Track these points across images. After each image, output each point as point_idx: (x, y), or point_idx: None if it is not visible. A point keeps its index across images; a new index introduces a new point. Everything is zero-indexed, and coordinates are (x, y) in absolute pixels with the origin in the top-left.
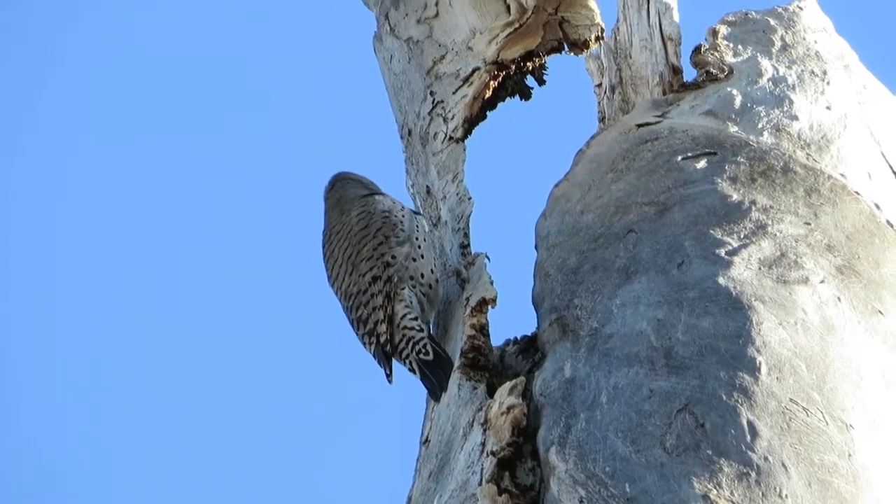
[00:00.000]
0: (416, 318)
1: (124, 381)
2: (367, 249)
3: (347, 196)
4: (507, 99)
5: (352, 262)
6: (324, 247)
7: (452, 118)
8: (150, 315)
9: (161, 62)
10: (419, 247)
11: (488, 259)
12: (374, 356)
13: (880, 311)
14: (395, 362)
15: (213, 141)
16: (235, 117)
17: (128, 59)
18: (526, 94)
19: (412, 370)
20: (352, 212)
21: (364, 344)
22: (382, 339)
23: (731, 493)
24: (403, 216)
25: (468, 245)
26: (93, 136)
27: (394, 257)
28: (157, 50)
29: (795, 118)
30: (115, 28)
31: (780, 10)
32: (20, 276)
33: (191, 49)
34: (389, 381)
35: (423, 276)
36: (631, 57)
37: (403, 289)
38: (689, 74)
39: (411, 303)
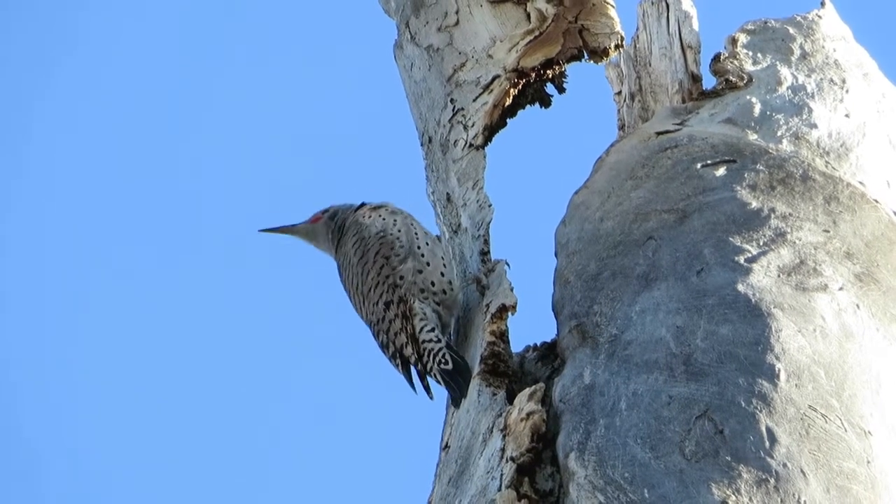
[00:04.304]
0: (432, 330)
1: (127, 383)
2: (371, 277)
3: (342, 224)
4: (527, 106)
5: (361, 292)
6: (339, 276)
7: (472, 125)
8: (156, 315)
9: (170, 63)
10: (423, 255)
11: (508, 266)
12: (404, 378)
13: None
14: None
15: (222, 145)
16: (250, 126)
17: (130, 59)
18: (546, 101)
19: (437, 381)
20: (347, 243)
21: (394, 366)
22: (413, 360)
23: (750, 499)
24: (399, 231)
25: (488, 252)
26: (89, 135)
27: (401, 278)
28: (166, 51)
29: (814, 126)
30: (114, 27)
31: (799, 18)
32: (15, 277)
33: (205, 52)
34: (430, 397)
35: (433, 283)
36: (650, 65)
37: (415, 303)
38: (709, 82)
39: (426, 315)
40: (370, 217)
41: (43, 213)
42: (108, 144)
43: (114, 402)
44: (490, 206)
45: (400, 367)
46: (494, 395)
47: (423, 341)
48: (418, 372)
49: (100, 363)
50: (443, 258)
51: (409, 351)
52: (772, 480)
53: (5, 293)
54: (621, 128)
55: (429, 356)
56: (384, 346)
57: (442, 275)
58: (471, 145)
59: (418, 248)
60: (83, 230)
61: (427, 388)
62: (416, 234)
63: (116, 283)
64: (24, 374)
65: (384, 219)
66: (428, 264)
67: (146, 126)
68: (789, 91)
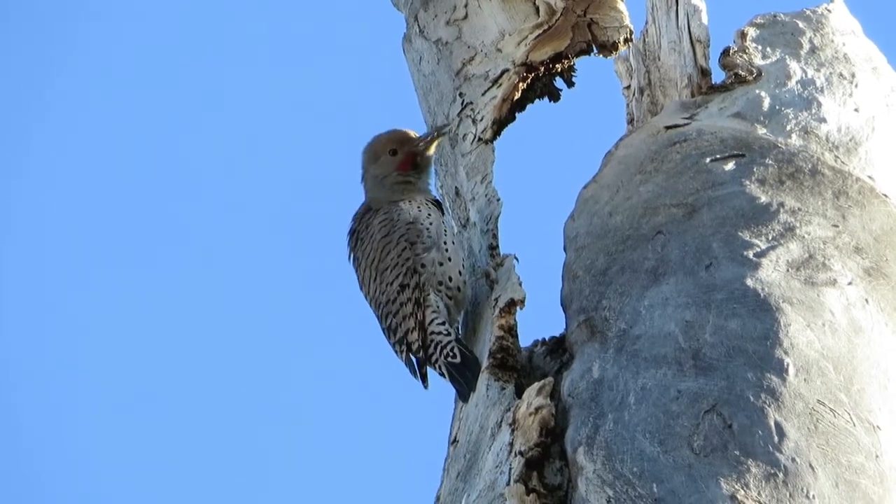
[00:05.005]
0: (443, 323)
1: (128, 383)
2: (391, 257)
3: (371, 199)
4: (536, 100)
5: (376, 268)
6: (349, 254)
7: (481, 119)
8: (157, 315)
9: (172, 62)
10: (447, 250)
11: (517, 260)
12: (405, 365)
13: None
14: (428, 367)
15: (224, 143)
16: (253, 121)
17: (136, 59)
18: (555, 95)
19: (441, 374)
20: (375, 219)
21: (396, 353)
22: (415, 347)
23: (759, 493)
24: (431, 223)
25: (497, 246)
26: (89, 136)
27: (423, 265)
28: (166, 51)
29: (824, 120)
30: (117, 29)
31: (808, 12)
32: (16, 277)
33: (206, 51)
34: (425, 387)
35: (451, 279)
36: (659, 59)
37: (429, 294)
38: (718, 76)
39: (438, 308)
40: (408, 203)
41: (44, 213)
42: (109, 145)
43: (115, 402)
44: (499, 200)
45: (403, 354)
46: (503, 389)
47: (433, 333)
48: (417, 360)
49: (101, 363)
50: (462, 260)
51: (413, 337)
52: (780, 475)
53: (6, 293)
54: (630, 122)
55: (436, 348)
56: (390, 330)
57: (459, 273)
58: (479, 139)
59: (444, 242)
60: (84, 230)
61: (424, 377)
62: (444, 230)
63: (117, 283)
64: (24, 374)
65: (419, 210)
66: (449, 259)
67: (147, 127)
68: (798, 85)
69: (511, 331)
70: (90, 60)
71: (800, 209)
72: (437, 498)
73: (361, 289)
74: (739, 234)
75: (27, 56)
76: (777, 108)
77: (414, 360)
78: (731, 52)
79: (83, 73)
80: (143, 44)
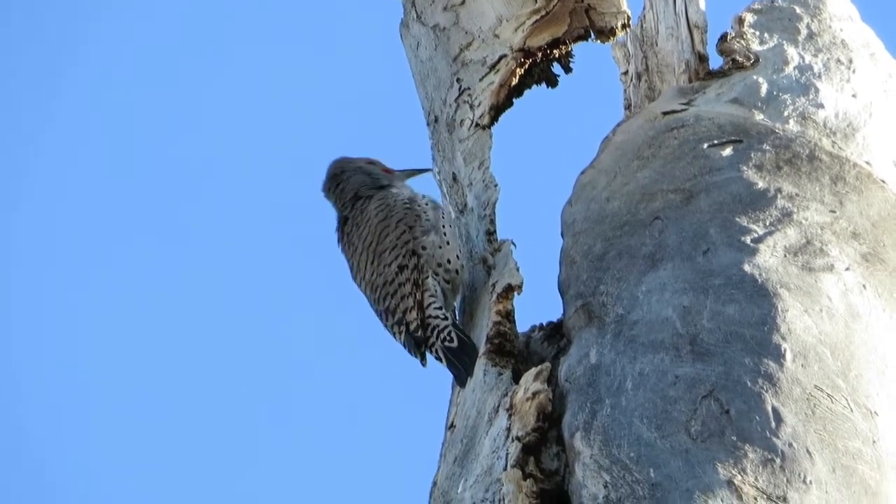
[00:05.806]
0: (440, 308)
1: (130, 384)
2: (389, 240)
3: (359, 187)
4: (534, 86)
5: (373, 250)
6: (340, 240)
7: (479, 105)
8: (159, 315)
9: (168, 61)
10: (445, 234)
11: (514, 246)
12: (403, 345)
13: None
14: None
15: (225, 141)
16: (253, 115)
17: (136, 59)
18: (552, 81)
19: (438, 358)
20: (370, 205)
21: (393, 334)
22: (413, 326)
23: (756, 478)
24: (427, 205)
25: (494, 232)
26: (91, 138)
27: (423, 248)
28: (165, 50)
29: (821, 106)
30: (122, 27)
31: None
32: (18, 277)
33: (207, 48)
34: (423, 365)
35: (449, 261)
36: (657, 45)
37: (427, 278)
38: (716, 62)
39: (435, 292)
40: (395, 189)
41: (44, 213)
42: (109, 145)
43: (115, 401)
44: (496, 185)
45: (402, 335)
46: (500, 374)
47: (430, 317)
48: (415, 340)
49: (101, 363)
50: (460, 245)
51: (412, 316)
52: (777, 460)
53: (9, 294)
54: (628, 108)
55: (433, 332)
56: (388, 311)
57: (457, 257)
58: (477, 125)
59: (442, 226)
60: (84, 229)
61: (423, 356)
62: (441, 214)
63: (117, 283)
64: (24, 374)
65: (413, 192)
66: (448, 243)
67: (147, 126)
68: (796, 71)
69: (508, 316)
70: (90, 60)
71: (797, 195)
72: (434, 483)
73: (355, 276)
74: (737, 219)
75: (27, 56)
76: (774, 93)
77: (412, 339)
78: (728, 37)
79: (83, 73)
80: (144, 44)
